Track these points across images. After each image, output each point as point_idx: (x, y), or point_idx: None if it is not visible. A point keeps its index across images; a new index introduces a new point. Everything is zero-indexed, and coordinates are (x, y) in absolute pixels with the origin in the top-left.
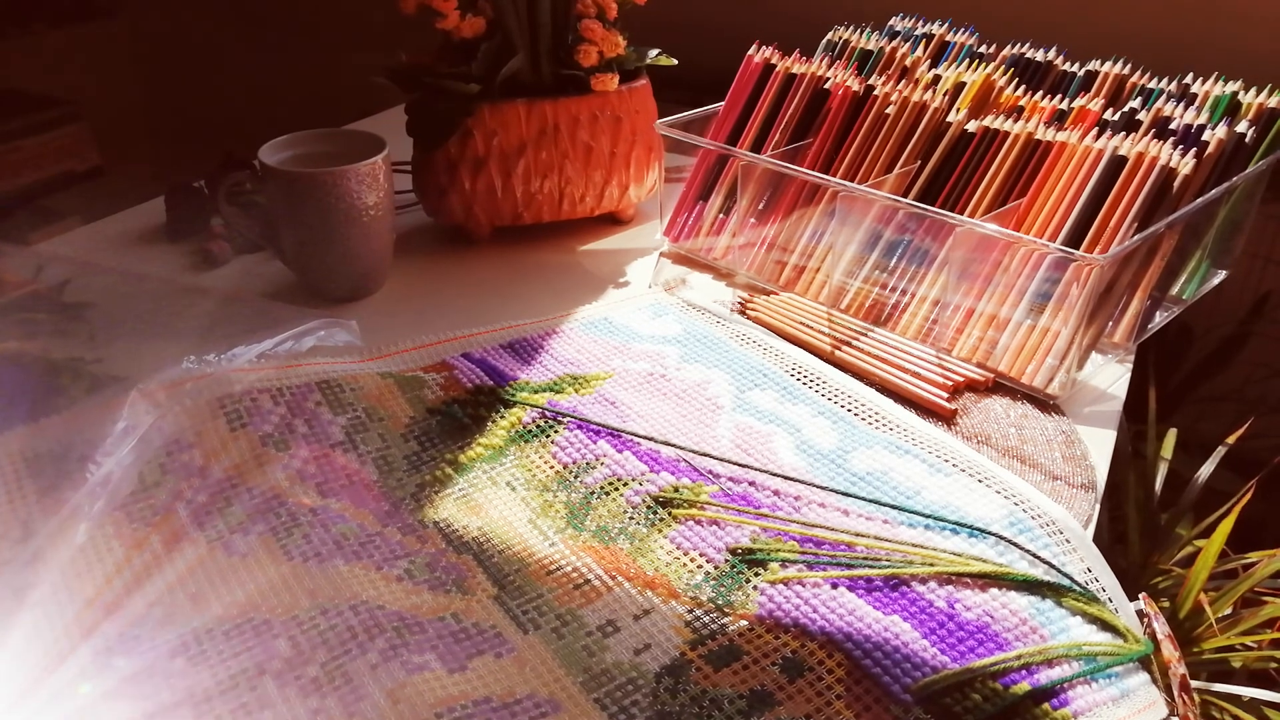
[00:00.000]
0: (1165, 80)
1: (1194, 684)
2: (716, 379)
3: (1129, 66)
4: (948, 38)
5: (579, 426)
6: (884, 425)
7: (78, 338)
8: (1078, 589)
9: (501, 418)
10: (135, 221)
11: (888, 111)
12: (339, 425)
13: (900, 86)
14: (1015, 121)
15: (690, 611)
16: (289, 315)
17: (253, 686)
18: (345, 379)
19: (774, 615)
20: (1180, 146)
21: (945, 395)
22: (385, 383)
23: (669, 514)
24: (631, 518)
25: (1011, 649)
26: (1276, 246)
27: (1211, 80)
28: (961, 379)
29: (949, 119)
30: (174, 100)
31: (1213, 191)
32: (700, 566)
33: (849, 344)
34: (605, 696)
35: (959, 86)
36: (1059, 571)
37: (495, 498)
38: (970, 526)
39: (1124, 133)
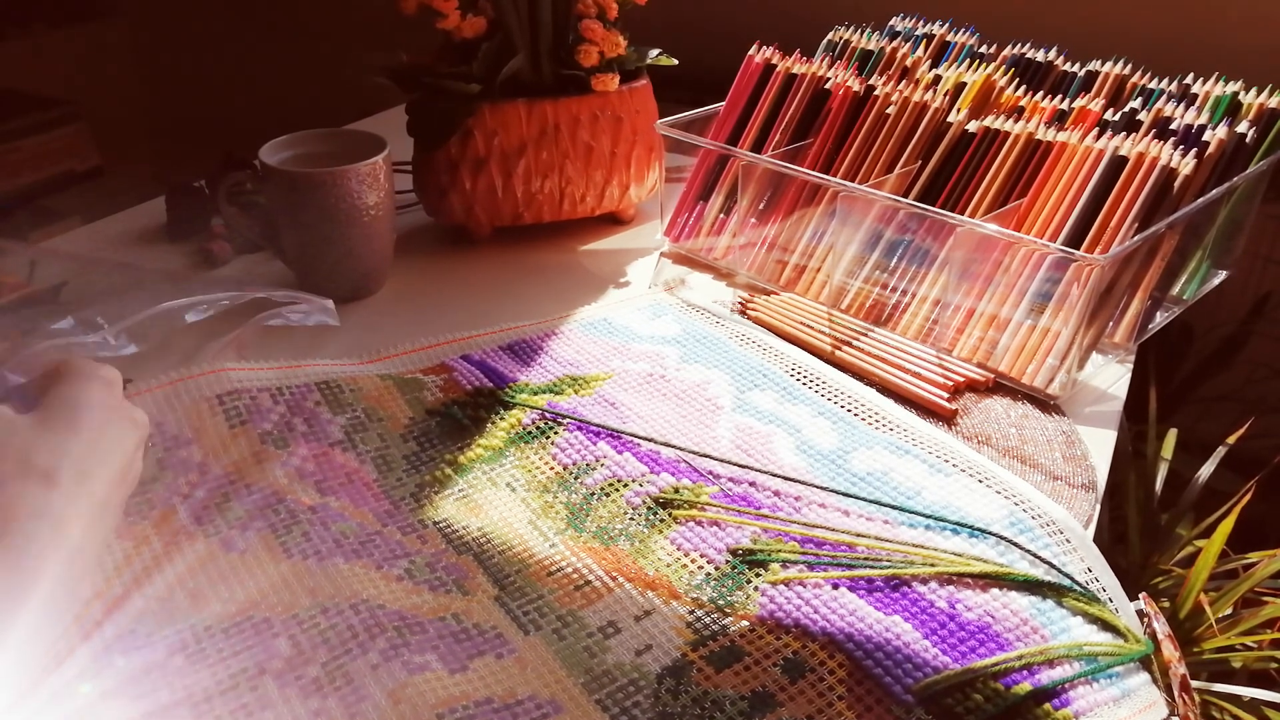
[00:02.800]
0: (1166, 80)
1: (1194, 684)
2: (716, 379)
3: (1129, 67)
4: (948, 38)
5: (579, 428)
6: (884, 425)
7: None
8: (1078, 589)
9: (501, 419)
10: (135, 221)
11: (888, 112)
12: (338, 425)
13: (901, 87)
14: (1016, 122)
15: (691, 612)
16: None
17: (253, 686)
18: (344, 380)
19: (775, 616)
20: (1181, 147)
21: (946, 395)
22: (384, 384)
23: (669, 515)
24: (632, 519)
25: (1013, 649)
26: (1277, 246)
27: (1212, 80)
28: (962, 379)
29: (949, 119)
30: (174, 100)
31: (1213, 192)
32: (701, 567)
33: (849, 344)
34: (607, 698)
35: (959, 87)
36: (1060, 572)
37: (495, 498)
38: (971, 527)
39: (1124, 133)
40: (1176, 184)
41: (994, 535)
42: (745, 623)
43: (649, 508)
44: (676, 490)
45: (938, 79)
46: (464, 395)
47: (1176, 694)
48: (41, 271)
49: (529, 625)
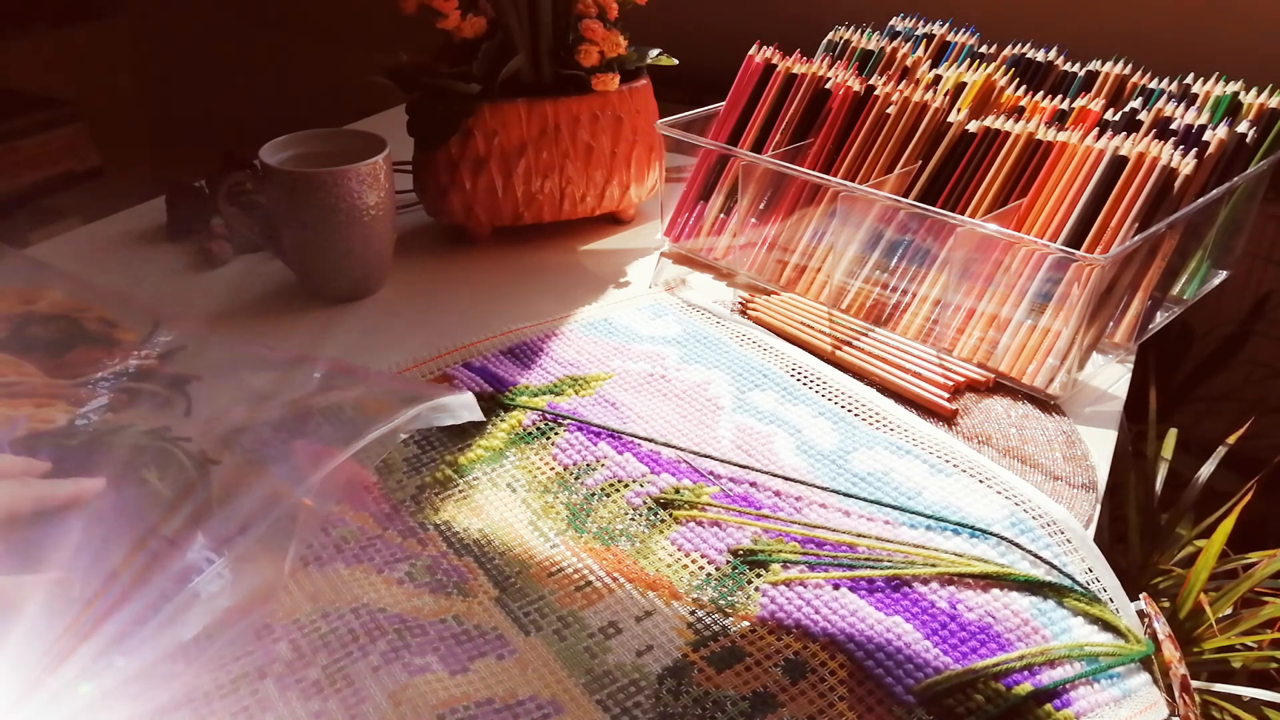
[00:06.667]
0: (1166, 80)
1: (1194, 684)
2: (717, 379)
3: (1130, 66)
4: (948, 38)
5: (579, 428)
6: (885, 426)
7: (175, 410)
8: (1079, 589)
9: (501, 420)
10: (135, 221)
11: (888, 112)
12: (339, 439)
13: (901, 87)
14: (1016, 121)
15: (692, 613)
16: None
17: (254, 690)
18: (345, 401)
19: (776, 616)
20: (1181, 146)
21: (946, 395)
22: (386, 399)
23: (670, 515)
24: (632, 519)
25: (1013, 649)
26: (1277, 247)
27: (1212, 80)
28: (962, 379)
29: (950, 119)
30: (174, 100)
31: (1213, 192)
32: (702, 568)
33: (850, 344)
34: (608, 698)
35: (960, 87)
36: (1060, 572)
37: (496, 499)
38: (972, 527)
39: (1125, 133)
40: (1177, 184)
41: (995, 535)
42: (746, 623)
43: (649, 508)
44: (677, 491)
45: (938, 79)
46: None
47: (1177, 694)
48: (161, 334)
49: (530, 626)
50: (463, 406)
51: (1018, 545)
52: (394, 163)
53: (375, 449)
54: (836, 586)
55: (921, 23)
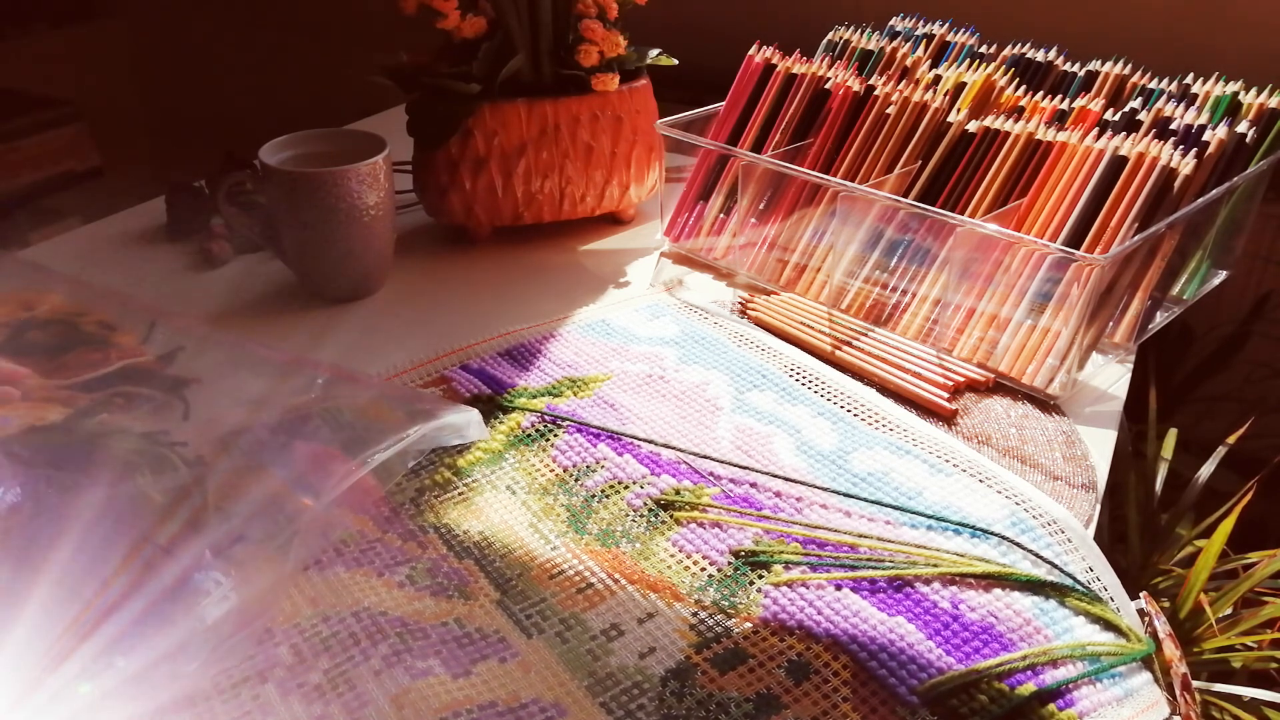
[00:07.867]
0: (1166, 80)
1: (1194, 684)
2: (715, 380)
3: (1129, 67)
4: (948, 38)
5: (579, 430)
6: (884, 426)
7: (173, 414)
8: (1080, 589)
9: (500, 422)
10: (135, 221)
11: (888, 112)
12: (338, 441)
13: (901, 87)
14: (1016, 121)
15: (694, 614)
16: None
17: (255, 694)
18: (345, 405)
19: (778, 618)
20: (1181, 147)
21: (946, 395)
22: (387, 405)
23: (671, 517)
24: (633, 521)
25: (1016, 650)
26: (1277, 247)
27: (1212, 80)
28: (962, 379)
29: (950, 119)
30: (174, 100)
31: (1213, 192)
32: (704, 569)
33: (849, 344)
34: (611, 700)
35: (960, 87)
36: (1062, 571)
37: (496, 501)
38: (973, 527)
39: (1125, 133)
40: (1176, 184)
41: (996, 535)
42: (748, 625)
43: (650, 509)
44: (678, 492)
45: (938, 79)
46: (463, 401)
47: (1178, 693)
48: (159, 335)
49: (531, 629)
50: (468, 425)
51: (1019, 545)
52: (394, 163)
53: (384, 471)
54: (839, 587)
55: (921, 23)
